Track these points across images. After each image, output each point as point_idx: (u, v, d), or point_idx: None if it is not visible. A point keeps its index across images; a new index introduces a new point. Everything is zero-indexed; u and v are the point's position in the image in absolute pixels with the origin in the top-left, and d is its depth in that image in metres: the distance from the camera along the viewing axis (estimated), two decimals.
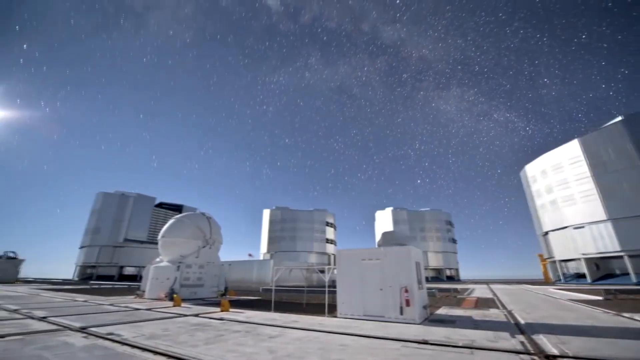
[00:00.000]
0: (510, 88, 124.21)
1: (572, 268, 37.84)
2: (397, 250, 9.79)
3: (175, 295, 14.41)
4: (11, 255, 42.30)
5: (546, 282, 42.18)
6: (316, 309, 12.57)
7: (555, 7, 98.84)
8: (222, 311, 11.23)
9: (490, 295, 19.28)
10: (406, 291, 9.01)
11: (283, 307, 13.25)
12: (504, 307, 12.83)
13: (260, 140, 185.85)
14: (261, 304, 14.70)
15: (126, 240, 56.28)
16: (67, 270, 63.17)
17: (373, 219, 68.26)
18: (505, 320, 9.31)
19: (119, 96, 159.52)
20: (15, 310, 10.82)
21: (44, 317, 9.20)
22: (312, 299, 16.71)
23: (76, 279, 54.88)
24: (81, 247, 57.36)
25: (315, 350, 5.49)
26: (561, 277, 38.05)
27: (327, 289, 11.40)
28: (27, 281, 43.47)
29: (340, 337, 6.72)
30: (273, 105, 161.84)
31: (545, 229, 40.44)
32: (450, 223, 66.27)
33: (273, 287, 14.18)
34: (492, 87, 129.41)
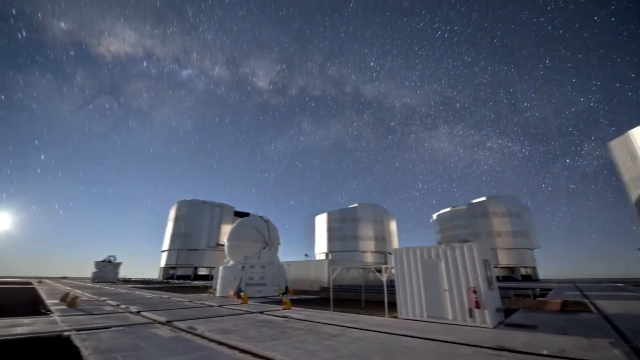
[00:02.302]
0: (495, 117, 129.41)
1: None
2: (460, 248, 9.07)
3: (242, 294, 15.55)
4: (112, 259, 50.40)
5: None
6: (375, 308, 12.34)
7: (512, 42, 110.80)
8: (284, 309, 11.74)
9: (579, 297, 16.64)
10: (474, 292, 8.29)
11: (341, 306, 13.31)
12: (598, 310, 10.94)
13: (265, 206, 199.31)
14: (320, 303, 14.99)
15: (218, 244, 62.33)
16: (154, 270, 72.60)
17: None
18: (601, 325, 7.92)
19: (128, 189, 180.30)
20: (117, 306, 12.85)
21: (138, 312, 10.73)
22: (370, 298, 16.46)
23: (161, 278, 62.99)
24: (163, 251, 65.61)
25: (378, 352, 5.38)
26: None
27: (385, 288, 11.10)
28: (124, 281, 51.34)
29: (403, 339, 6.47)
30: (274, 171, 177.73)
31: None
32: (518, 215, 58.69)
33: (331, 287, 14.34)
34: (477, 119, 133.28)
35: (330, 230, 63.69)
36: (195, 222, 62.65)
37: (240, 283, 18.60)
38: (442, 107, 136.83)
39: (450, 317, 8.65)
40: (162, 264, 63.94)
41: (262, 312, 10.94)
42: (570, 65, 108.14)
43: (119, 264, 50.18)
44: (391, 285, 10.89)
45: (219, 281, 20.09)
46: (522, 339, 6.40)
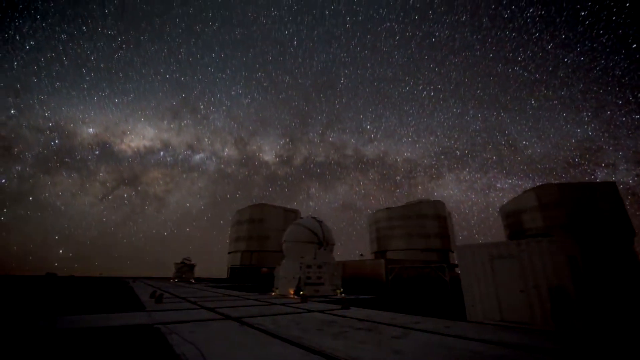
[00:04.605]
0: (497, 159, 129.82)
1: None
2: (538, 243, 8.03)
3: (302, 292, 16.10)
4: (188, 261, 56.75)
5: None
6: (438, 310, 11.63)
7: (494, 91, 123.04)
8: (342, 308, 11.80)
9: None
10: (559, 293, 7.25)
11: (401, 306, 12.85)
12: None
13: None
14: (378, 303, 14.69)
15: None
16: (221, 270, 79.47)
17: None
18: None
19: (140, 265, 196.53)
20: (194, 302, 14.39)
21: (212, 308, 11.85)
22: (432, 299, 15.56)
23: (228, 277, 68.74)
24: (229, 252, 71.60)
25: (444, 356, 5.05)
26: None
27: (448, 289, 10.39)
28: (199, 280, 57.36)
29: (471, 343, 5.97)
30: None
31: None
32: (617, 200, 48.69)
33: (389, 286, 13.96)
34: (480, 163, 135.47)
35: (387, 228, 62.03)
36: (267, 224, 66.31)
37: (300, 282, 19.25)
38: (442, 157, 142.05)
39: (531, 322, 7.71)
40: (229, 264, 69.67)
41: (322, 311, 11.16)
42: (556, 102, 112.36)
43: (193, 265, 56.27)
44: (456, 284, 10.15)
45: (279, 281, 21.11)
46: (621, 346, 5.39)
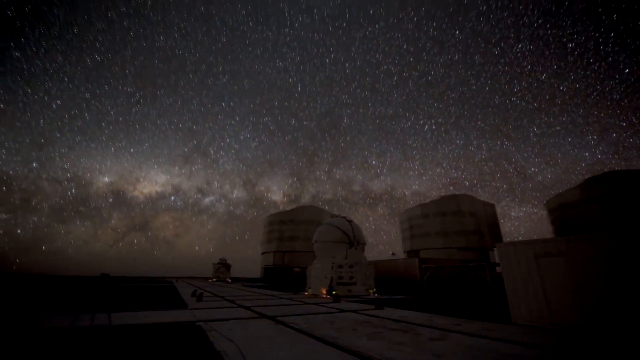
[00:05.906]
0: (508, 187, 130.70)
1: None
2: (591, 240, 7.30)
3: (334, 292, 16.11)
4: (224, 261, 59.44)
5: None
6: (478, 311, 11.03)
7: (494, 121, 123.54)
8: (376, 308, 11.62)
9: None
10: (616, 295, 6.54)
11: (437, 307, 12.37)
12: None
13: None
14: (413, 303, 14.27)
15: None
16: (255, 270, 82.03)
17: None
18: None
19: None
20: (232, 301, 15.00)
21: (248, 307, 12.27)
22: (471, 300, 14.78)
23: (262, 277, 70.83)
24: (263, 253, 73.79)
25: None
26: None
27: (489, 289, 9.79)
28: (235, 280, 59.76)
29: (520, 349, 5.59)
30: None
31: None
32: None
33: (424, 286, 13.50)
34: (491, 192, 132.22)
35: (420, 226, 59.99)
36: (305, 226, 67.71)
37: (332, 282, 19.29)
38: (452, 188, 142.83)
39: (582, 325, 7.05)
40: (262, 264, 71.80)
41: (355, 311, 11.08)
42: (558, 128, 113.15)
43: (229, 266, 58.81)
44: (498, 284, 9.56)
45: (311, 280, 21.31)
46: None
